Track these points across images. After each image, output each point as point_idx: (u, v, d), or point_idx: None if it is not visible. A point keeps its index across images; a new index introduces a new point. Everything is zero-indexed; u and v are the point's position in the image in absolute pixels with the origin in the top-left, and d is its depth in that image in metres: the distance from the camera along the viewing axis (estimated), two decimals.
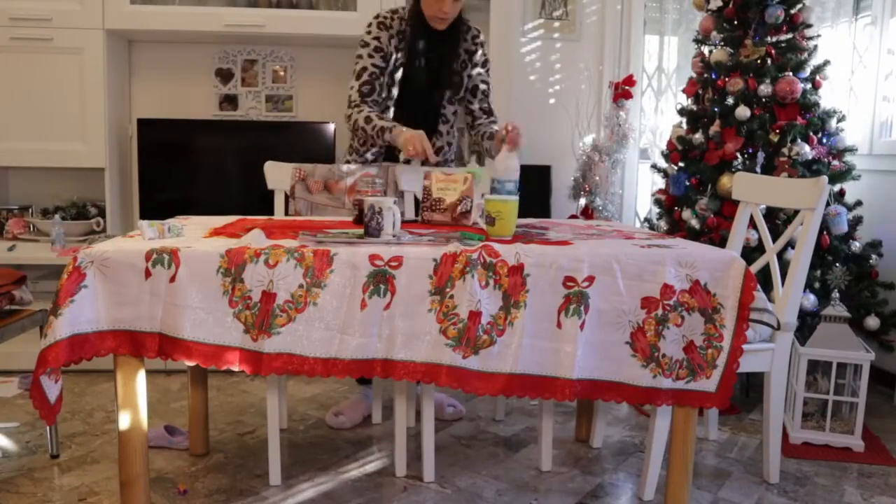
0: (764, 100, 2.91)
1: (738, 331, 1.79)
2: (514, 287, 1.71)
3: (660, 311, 1.77)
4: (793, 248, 2.63)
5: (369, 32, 2.54)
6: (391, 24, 2.54)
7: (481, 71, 2.66)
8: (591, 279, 1.74)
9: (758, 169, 2.86)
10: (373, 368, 1.69)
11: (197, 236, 1.84)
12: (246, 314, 1.65)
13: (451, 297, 1.70)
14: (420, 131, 2.36)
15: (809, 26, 3.03)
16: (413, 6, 2.52)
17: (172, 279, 1.63)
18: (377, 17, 2.56)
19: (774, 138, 2.88)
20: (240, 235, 1.83)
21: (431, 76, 2.57)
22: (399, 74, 2.56)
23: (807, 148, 2.85)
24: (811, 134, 2.92)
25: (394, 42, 2.53)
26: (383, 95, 2.55)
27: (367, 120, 2.45)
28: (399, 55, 2.54)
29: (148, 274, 1.63)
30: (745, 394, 3.02)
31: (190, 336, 1.64)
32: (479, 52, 2.65)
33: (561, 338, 1.74)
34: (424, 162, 2.43)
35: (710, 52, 3.14)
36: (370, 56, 2.52)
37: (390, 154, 2.64)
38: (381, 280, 1.67)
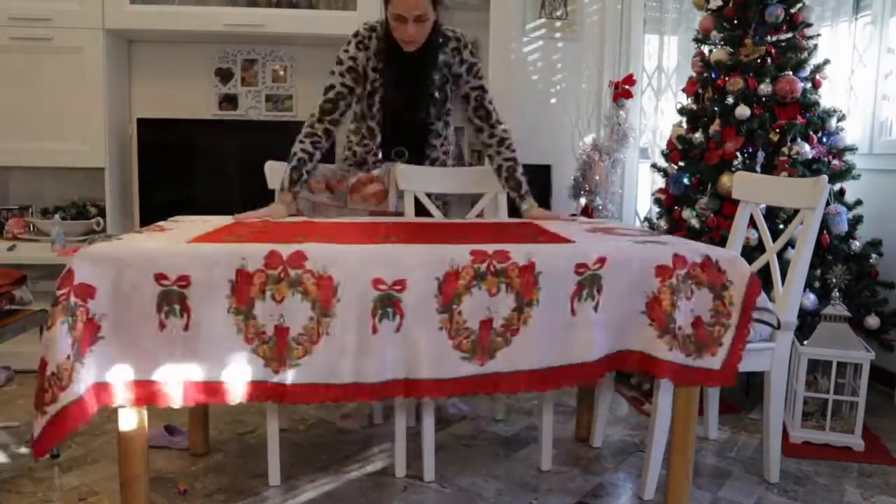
0: (764, 99, 2.91)
1: (745, 312, 1.80)
2: (527, 286, 1.72)
3: (673, 280, 1.78)
4: (793, 247, 2.62)
5: (346, 51, 2.49)
6: (369, 43, 2.49)
7: (468, 78, 2.56)
8: (602, 261, 1.75)
9: (758, 168, 2.86)
10: (396, 389, 1.70)
11: (184, 239, 1.79)
12: (263, 348, 1.65)
13: (460, 312, 1.70)
14: (272, 206, 2.36)
15: (809, 25, 3.03)
16: (385, 29, 2.45)
17: (186, 328, 1.62)
18: (357, 35, 2.50)
19: (774, 137, 2.88)
20: (225, 239, 1.79)
21: (407, 99, 2.51)
22: (378, 96, 2.52)
23: (807, 147, 2.85)
24: (811, 133, 2.92)
25: (371, 63, 2.49)
26: (342, 114, 2.52)
27: (293, 155, 2.44)
28: (377, 76, 2.50)
29: (162, 326, 1.62)
30: (745, 393, 3.02)
31: (212, 378, 1.63)
32: (461, 59, 2.54)
33: (575, 324, 1.76)
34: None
35: (710, 51, 3.14)
36: (341, 75, 2.49)
37: (387, 155, 2.65)
38: (387, 304, 1.67)
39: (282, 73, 3.78)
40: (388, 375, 1.69)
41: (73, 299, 1.55)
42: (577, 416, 2.56)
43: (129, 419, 1.70)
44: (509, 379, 1.74)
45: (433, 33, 2.44)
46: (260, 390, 1.66)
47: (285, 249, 1.66)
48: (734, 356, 1.80)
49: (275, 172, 2.58)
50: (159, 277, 1.60)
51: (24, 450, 2.34)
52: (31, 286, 2.46)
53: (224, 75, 3.76)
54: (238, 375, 1.64)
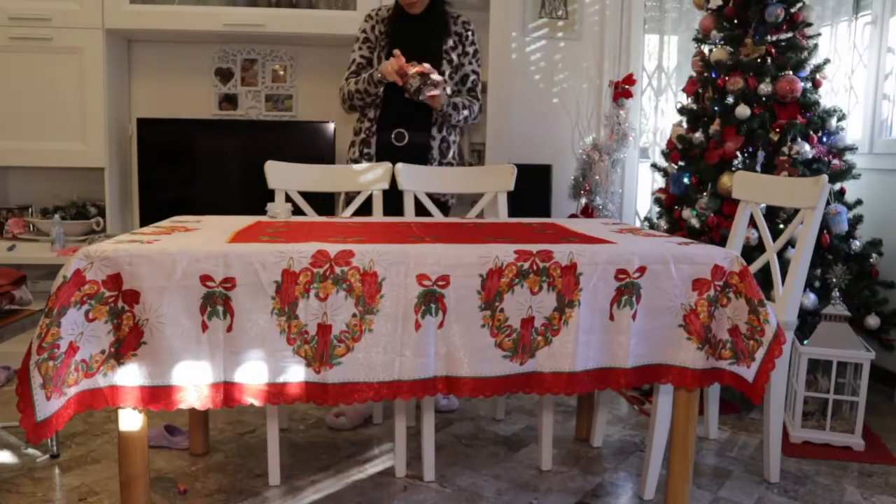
0: (764, 99, 2.91)
1: (779, 332, 1.80)
2: (568, 287, 1.72)
3: (711, 292, 1.79)
4: (793, 247, 2.62)
5: (361, 27, 2.76)
6: (377, 13, 2.75)
7: (472, 60, 2.77)
8: (642, 270, 1.75)
9: (758, 168, 2.86)
10: (435, 387, 1.71)
11: (220, 240, 1.78)
12: (305, 348, 1.65)
13: (502, 310, 1.71)
14: (392, 57, 2.53)
15: (809, 25, 3.03)
16: None
17: (229, 329, 1.62)
18: (369, 12, 2.78)
19: (774, 137, 2.88)
20: (261, 239, 1.79)
21: (415, 57, 2.56)
22: (385, 55, 2.69)
23: (807, 147, 2.84)
24: (811, 133, 2.92)
25: (378, 28, 2.72)
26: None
27: (354, 83, 2.69)
28: (384, 40, 2.71)
29: (205, 327, 1.61)
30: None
31: (254, 381, 1.63)
32: (470, 40, 2.77)
33: (614, 329, 1.77)
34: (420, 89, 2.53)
35: (711, 50, 3.14)
36: (359, 48, 2.75)
37: (390, 152, 2.66)
38: (431, 299, 1.67)
39: (282, 72, 3.78)
40: (430, 373, 1.69)
41: (121, 304, 1.57)
42: (577, 415, 2.56)
43: (130, 419, 1.70)
44: (547, 379, 1.75)
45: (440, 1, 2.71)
46: (301, 391, 1.66)
47: (333, 248, 1.66)
48: (763, 375, 1.80)
49: (275, 172, 2.58)
50: (204, 279, 1.60)
51: (24, 450, 2.34)
52: (30, 286, 2.46)
53: (224, 75, 3.76)
54: (279, 376, 1.65)
